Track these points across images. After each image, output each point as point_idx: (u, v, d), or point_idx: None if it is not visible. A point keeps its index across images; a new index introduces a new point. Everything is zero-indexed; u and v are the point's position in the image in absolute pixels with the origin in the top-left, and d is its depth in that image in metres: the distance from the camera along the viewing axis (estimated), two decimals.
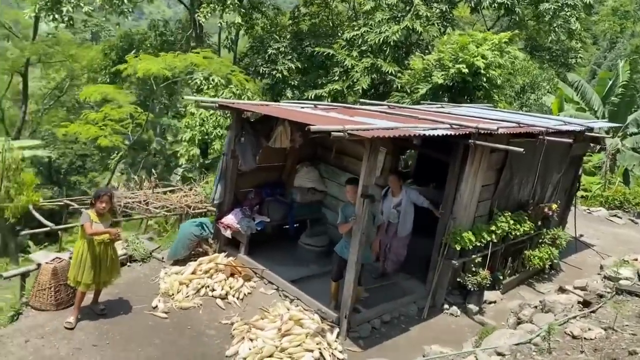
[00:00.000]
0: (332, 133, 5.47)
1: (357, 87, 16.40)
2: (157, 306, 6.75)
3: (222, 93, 16.02)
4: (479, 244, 7.67)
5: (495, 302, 8.09)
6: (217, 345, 6.15)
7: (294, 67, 18.71)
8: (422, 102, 12.38)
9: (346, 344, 6.49)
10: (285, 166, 8.97)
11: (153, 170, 17.50)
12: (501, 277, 8.43)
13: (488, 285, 7.72)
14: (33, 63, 24.51)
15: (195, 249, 7.97)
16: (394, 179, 7.64)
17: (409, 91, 14.72)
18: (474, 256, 7.69)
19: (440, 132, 6.37)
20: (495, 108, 12.61)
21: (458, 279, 7.66)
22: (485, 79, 13.30)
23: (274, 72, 18.70)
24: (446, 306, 7.70)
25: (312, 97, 16.95)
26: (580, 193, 15.51)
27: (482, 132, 6.74)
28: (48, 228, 9.94)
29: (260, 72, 19.29)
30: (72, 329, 6.05)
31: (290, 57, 18.89)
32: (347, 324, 6.58)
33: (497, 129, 6.62)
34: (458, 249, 7.37)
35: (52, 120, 23.90)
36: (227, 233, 7.95)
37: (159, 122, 23.62)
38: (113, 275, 6.42)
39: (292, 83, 19.11)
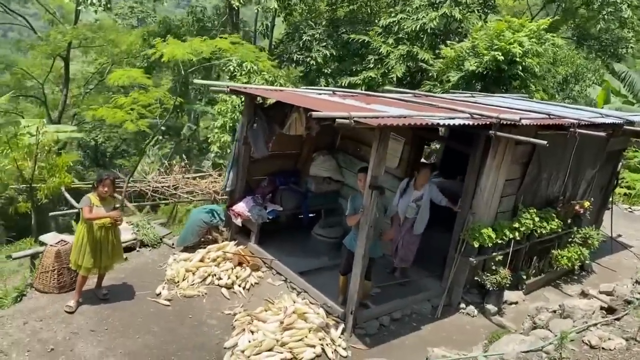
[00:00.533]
0: (337, 120, 5.18)
1: (392, 75, 15.92)
2: (160, 293, 6.65)
3: (255, 80, 15.87)
4: (499, 242, 7.25)
5: (516, 303, 7.65)
6: (217, 336, 6.00)
7: (328, 54, 18.36)
8: (450, 91, 11.85)
9: (351, 341, 6.23)
10: (301, 154, 8.72)
11: (184, 156, 17.62)
12: (525, 277, 7.98)
13: (508, 285, 7.29)
14: (75, 47, 24.97)
15: (205, 236, 7.85)
16: (425, 172, 7.25)
17: (442, 80, 14.17)
18: (494, 254, 7.27)
19: (457, 122, 5.98)
20: (530, 99, 11.98)
21: (476, 278, 7.26)
22: (521, 68, 12.63)
23: (307, 60, 18.42)
24: (462, 305, 7.32)
25: (346, 85, 16.55)
26: (622, 190, 14.71)
27: (505, 122, 6.29)
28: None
29: (294, 59, 19.04)
30: (72, 312, 6.01)
31: (325, 44, 18.55)
32: (353, 320, 6.31)
33: (520, 119, 6.16)
34: (476, 246, 6.97)
35: (92, 104, 24.44)
36: (238, 221, 7.78)
37: (192, 108, 23.72)
38: (115, 260, 6.35)
39: (326, 71, 18.78)
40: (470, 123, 6.13)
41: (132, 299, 6.50)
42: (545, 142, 6.03)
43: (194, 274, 7.09)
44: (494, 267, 7.29)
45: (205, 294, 6.80)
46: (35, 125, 11.47)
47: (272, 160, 8.29)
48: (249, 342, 5.88)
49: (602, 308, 5.70)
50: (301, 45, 18.56)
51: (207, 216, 7.77)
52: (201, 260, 7.34)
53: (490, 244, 7.02)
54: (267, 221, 7.87)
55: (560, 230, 8.12)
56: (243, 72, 16.42)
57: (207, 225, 7.77)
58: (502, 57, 12.11)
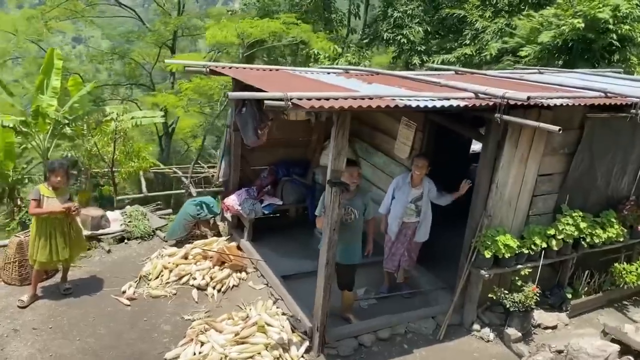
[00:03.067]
0: (266, 102, 4.26)
1: (485, 53, 14.05)
2: (125, 291, 6.18)
3: (338, 62, 15.15)
4: (526, 251, 5.82)
5: (554, 327, 6.17)
6: (163, 345, 5.37)
7: (422, 31, 16.95)
8: (518, 67, 10.06)
9: None
10: (310, 142, 7.80)
11: None
12: (570, 296, 6.40)
13: (532, 306, 5.84)
14: (180, 36, 25.72)
15: (193, 230, 7.26)
16: (422, 163, 5.95)
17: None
18: (518, 266, 5.85)
19: (437, 103, 4.73)
20: (630, 74, 9.81)
21: (490, 295, 5.90)
22: (616, 37, 10.42)
23: (398, 38, 17.14)
24: (476, 326, 6.00)
25: (439, 63, 15.08)
26: None
27: (512, 102, 4.87)
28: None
29: (384, 37, 17.85)
30: (23, 307, 5.73)
31: (418, 20, 17.13)
32: (320, 338, 5.33)
33: (528, 98, 4.71)
34: (488, 256, 5.62)
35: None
36: (228, 215, 7.11)
37: None
38: (74, 253, 5.98)
39: (420, 49, 17.36)
40: (458, 104, 4.82)
41: (95, 296, 6.09)
42: (558, 127, 4.53)
43: (170, 271, 6.54)
44: (519, 283, 5.88)
45: (174, 294, 6.21)
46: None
47: (275, 149, 7.48)
48: (194, 354, 5.18)
49: (621, 353, 4.16)
50: (392, 22, 17.35)
51: (194, 209, 7.16)
52: (185, 257, 6.78)
53: (508, 255, 5.63)
54: (263, 216, 7.10)
55: (622, 238, 6.41)
56: (326, 55, 15.82)
57: (194, 219, 7.18)
58: (583, 25, 10.03)
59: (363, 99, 4.62)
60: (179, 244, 7.21)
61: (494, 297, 5.85)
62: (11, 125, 10.56)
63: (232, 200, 7.04)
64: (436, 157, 6.71)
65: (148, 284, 6.35)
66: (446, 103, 4.76)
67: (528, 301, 5.75)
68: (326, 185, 4.98)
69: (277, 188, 7.41)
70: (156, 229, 7.60)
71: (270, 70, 6.98)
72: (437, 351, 5.65)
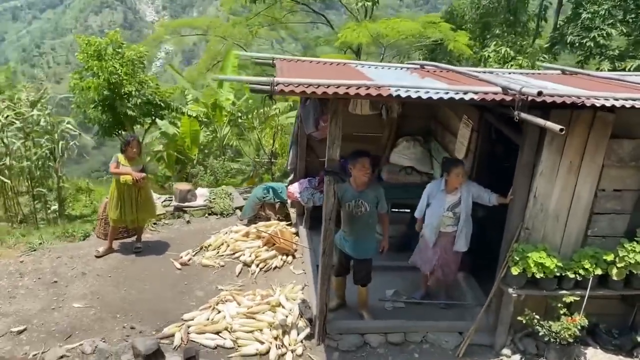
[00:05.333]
0: (250, 86, 4.45)
1: None
2: (182, 257, 6.90)
3: (508, 66, 14.49)
4: (572, 276, 5.02)
5: None
6: (188, 307, 5.88)
7: (614, 33, 15.14)
8: None
9: (314, 351, 5.31)
10: (381, 138, 7.65)
11: None
12: None
13: (570, 341, 5.00)
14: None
15: (259, 212, 7.69)
16: (457, 171, 5.43)
17: None
18: (563, 292, 5.07)
19: (432, 95, 4.37)
20: None
21: (519, 318, 5.19)
22: None
23: (584, 41, 15.50)
24: (507, 351, 5.36)
25: (632, 69, 13.37)
26: None
27: (528, 98, 4.27)
28: None
29: (568, 41, 16.28)
30: (98, 257, 6.79)
31: (611, 21, 15.28)
32: (321, 328, 5.33)
33: (539, 93, 4.07)
34: (515, 273, 4.99)
35: None
36: (289, 202, 7.39)
37: None
38: (143, 217, 6.88)
39: (612, 53, 15.47)
40: (465, 98, 4.39)
41: (157, 257, 6.92)
42: (559, 127, 3.86)
43: (228, 246, 7.09)
44: (562, 311, 5.09)
45: (222, 266, 6.74)
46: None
47: (345, 143, 7.44)
48: (207, 319, 5.62)
49: None
50: (580, 24, 15.75)
51: (262, 192, 7.61)
52: (245, 235, 7.28)
53: (541, 275, 4.93)
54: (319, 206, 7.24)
55: None
56: (498, 57, 15.23)
57: (260, 202, 7.62)
58: None
59: (359, 87, 4.49)
60: (250, 223, 7.73)
61: (523, 321, 5.15)
62: (194, 115, 12.45)
63: (294, 188, 7.32)
64: (490, 160, 6.16)
65: (204, 254, 6.99)
66: (446, 96, 4.38)
67: (564, 333, 4.96)
68: (325, 179, 4.97)
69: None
70: (236, 208, 8.26)
71: (337, 64, 7.07)
72: None
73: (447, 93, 4.44)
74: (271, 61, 6.88)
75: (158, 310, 5.82)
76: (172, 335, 5.37)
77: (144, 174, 6.65)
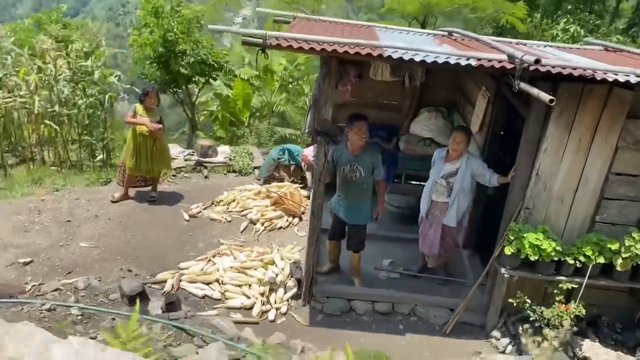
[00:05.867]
0: (242, 38, 4.39)
1: None
2: (192, 209, 7.04)
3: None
4: (571, 262, 4.73)
5: None
6: (187, 257, 6.01)
7: None
8: None
9: (298, 311, 5.32)
10: (402, 107, 7.39)
11: None
12: None
13: (572, 329, 4.72)
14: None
15: (274, 173, 7.69)
16: (460, 137, 5.21)
17: None
18: (560, 278, 4.79)
19: (427, 58, 4.15)
20: None
21: (510, 300, 4.95)
22: None
23: None
24: (496, 334, 5.16)
25: None
26: None
27: (530, 67, 3.96)
28: None
29: None
30: (113, 202, 7.06)
31: None
32: (306, 290, 5.32)
33: (536, 61, 3.77)
34: (508, 252, 4.75)
35: None
36: (303, 165, 7.34)
37: None
38: (157, 167, 7.05)
39: None
40: (461, 63, 4.13)
41: (169, 208, 7.11)
42: (549, 97, 3.56)
43: (238, 203, 7.17)
44: (559, 297, 4.82)
45: (228, 221, 6.84)
46: None
47: (365, 110, 7.29)
48: (201, 270, 5.75)
49: None
50: None
51: (277, 153, 7.60)
52: (257, 194, 7.33)
53: (535, 257, 4.67)
54: None
55: None
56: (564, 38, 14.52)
57: (275, 162, 7.61)
58: None
59: (350, 45, 4.33)
60: (265, 183, 7.77)
61: (514, 304, 4.92)
62: (246, 78, 12.60)
63: (309, 151, 7.26)
64: (504, 137, 5.84)
65: (214, 209, 7.10)
66: (440, 60, 4.15)
67: (555, 320, 4.69)
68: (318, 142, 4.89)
69: None
70: (255, 167, 8.31)
71: (360, 27, 6.85)
72: (433, 343, 5.07)
73: (446, 57, 4.21)
74: (292, 20, 6.76)
75: (157, 257, 5.99)
76: (165, 281, 5.53)
77: (160, 125, 6.79)
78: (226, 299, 5.39)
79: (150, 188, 7.33)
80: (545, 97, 3.60)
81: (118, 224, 6.60)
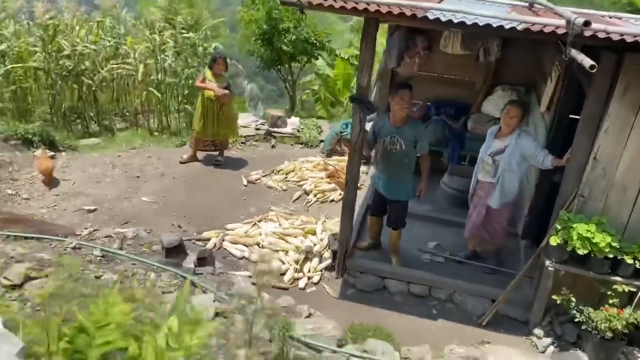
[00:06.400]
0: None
1: None
2: (251, 175, 7.17)
3: None
4: (630, 261, 4.17)
5: None
6: (235, 219, 6.15)
7: None
8: None
9: (331, 282, 5.25)
10: (474, 84, 6.88)
11: None
12: None
13: (614, 335, 4.17)
14: None
15: (335, 146, 7.57)
16: (514, 111, 4.75)
17: None
18: (616, 278, 4.23)
19: (466, 21, 3.79)
20: None
21: (554, 296, 4.46)
22: None
23: None
24: (538, 332, 4.69)
25: None
26: None
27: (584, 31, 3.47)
28: None
29: None
30: (181, 162, 7.41)
31: None
32: (340, 263, 5.22)
33: (585, 22, 3.27)
34: (554, 243, 4.28)
35: None
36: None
37: None
38: (224, 132, 7.27)
39: None
40: (505, 26, 3.73)
41: (231, 172, 7.31)
42: (590, 62, 3.07)
43: (296, 173, 7.19)
44: (612, 300, 4.28)
45: (284, 190, 6.89)
46: None
47: (435, 85, 6.99)
48: (245, 232, 5.86)
49: None
50: None
51: (340, 127, 7.47)
52: (316, 166, 7.29)
53: (585, 251, 4.16)
54: None
55: None
56: None
57: (338, 136, 7.48)
58: None
59: (393, 6, 4.06)
60: (329, 156, 7.71)
61: (557, 301, 4.43)
62: (346, 57, 12.64)
63: (368, 127, 7.04)
64: (574, 119, 5.24)
65: (272, 177, 7.19)
66: (481, 22, 3.78)
67: (602, 324, 4.16)
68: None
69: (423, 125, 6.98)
70: (322, 140, 8.26)
71: None
72: (464, 332, 4.74)
73: (488, 20, 3.83)
74: None
75: (209, 217, 6.20)
76: (209, 239, 5.71)
77: (226, 91, 6.96)
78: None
79: (217, 152, 7.59)
80: (587, 62, 3.14)
81: (181, 183, 6.91)
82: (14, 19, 10.01)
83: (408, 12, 4.01)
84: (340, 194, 6.73)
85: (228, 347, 2.54)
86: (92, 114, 9.61)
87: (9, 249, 3.54)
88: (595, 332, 4.24)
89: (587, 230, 4.15)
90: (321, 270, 5.35)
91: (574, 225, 4.19)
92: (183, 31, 10.17)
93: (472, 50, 6.43)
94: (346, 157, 7.22)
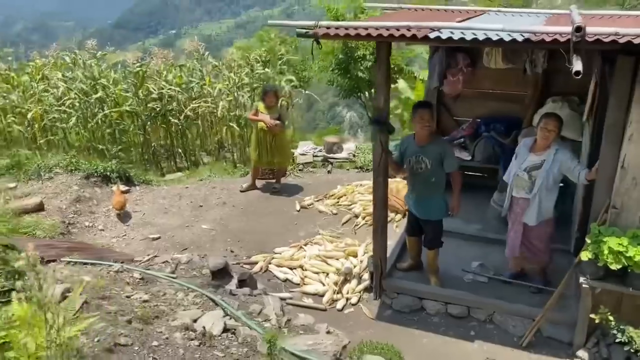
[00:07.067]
0: (297, 30, 4.57)
1: None
2: (305, 200, 7.41)
3: None
4: None
5: None
6: (284, 243, 6.41)
7: None
8: None
9: (369, 303, 5.31)
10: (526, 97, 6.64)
11: None
12: None
13: None
14: None
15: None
16: (552, 125, 4.57)
17: None
18: None
19: (466, 36, 3.80)
20: None
21: (592, 315, 4.18)
22: None
23: None
24: (582, 354, 4.44)
25: None
26: None
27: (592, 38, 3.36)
28: None
29: None
30: (241, 191, 7.84)
31: None
32: (376, 284, 5.27)
33: (577, 28, 3.15)
34: (585, 259, 4.07)
35: None
36: None
37: None
38: (278, 160, 7.62)
39: None
40: (505, 38, 3.68)
41: (287, 198, 7.61)
42: (577, 68, 2.96)
43: (347, 197, 7.34)
44: None
45: (334, 214, 7.05)
46: None
47: (483, 101, 6.86)
48: (291, 255, 6.09)
49: None
50: None
51: (394, 148, 7.48)
52: (368, 189, 7.39)
53: (618, 266, 3.92)
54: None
55: None
56: None
57: None
58: None
59: (394, 29, 4.18)
60: None
61: (596, 320, 4.16)
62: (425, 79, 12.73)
63: None
64: None
65: (324, 201, 7.39)
66: (480, 36, 3.77)
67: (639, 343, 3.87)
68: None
69: (473, 143, 6.85)
70: None
71: (467, 11, 6.39)
72: (502, 354, 4.58)
73: (486, 33, 3.81)
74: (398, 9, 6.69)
75: (260, 241, 6.52)
76: (256, 262, 6.01)
77: (277, 122, 7.34)
78: (304, 284, 5.63)
79: (275, 180, 7.95)
80: (575, 67, 3.07)
81: (239, 211, 7.33)
82: (113, 69, 11.21)
83: (419, 34, 4.08)
84: (388, 216, 6.77)
85: None
86: (179, 150, 10.56)
87: (58, 273, 4.04)
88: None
89: (619, 244, 3.91)
90: (360, 292, 5.42)
91: (605, 239, 3.97)
92: (257, 66, 10.87)
93: (515, 63, 6.29)
94: (397, 179, 7.32)
